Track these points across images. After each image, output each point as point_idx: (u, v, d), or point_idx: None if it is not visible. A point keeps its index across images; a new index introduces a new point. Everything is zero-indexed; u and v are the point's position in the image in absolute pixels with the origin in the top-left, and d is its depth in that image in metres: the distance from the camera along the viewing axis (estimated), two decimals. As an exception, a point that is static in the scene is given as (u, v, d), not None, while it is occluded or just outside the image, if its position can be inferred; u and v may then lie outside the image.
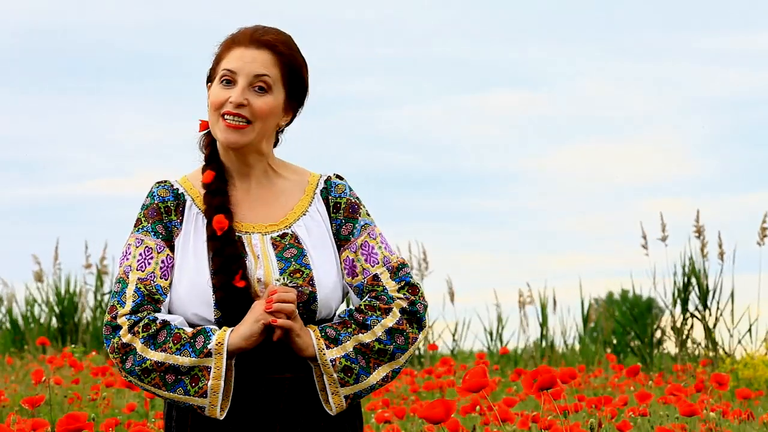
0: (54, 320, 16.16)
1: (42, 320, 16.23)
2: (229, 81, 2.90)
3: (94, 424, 4.55)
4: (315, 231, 2.95)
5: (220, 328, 2.83)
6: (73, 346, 12.34)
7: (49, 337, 15.49)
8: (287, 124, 2.99)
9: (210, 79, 2.96)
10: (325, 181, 3.02)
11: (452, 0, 19.07)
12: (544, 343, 15.78)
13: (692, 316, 14.66)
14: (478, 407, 5.66)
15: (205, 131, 3.00)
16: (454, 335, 16.12)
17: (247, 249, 2.88)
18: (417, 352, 15.74)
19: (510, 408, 5.66)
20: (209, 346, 2.80)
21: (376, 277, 2.94)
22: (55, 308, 16.17)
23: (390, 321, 2.90)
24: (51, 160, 19.52)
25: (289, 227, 2.94)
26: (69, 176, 19.91)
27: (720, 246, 14.75)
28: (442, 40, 19.50)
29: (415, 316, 2.93)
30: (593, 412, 5.92)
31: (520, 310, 16.02)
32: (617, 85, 19.94)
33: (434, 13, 19.15)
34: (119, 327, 2.83)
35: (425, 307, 2.96)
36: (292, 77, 2.93)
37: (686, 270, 14.74)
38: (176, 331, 2.82)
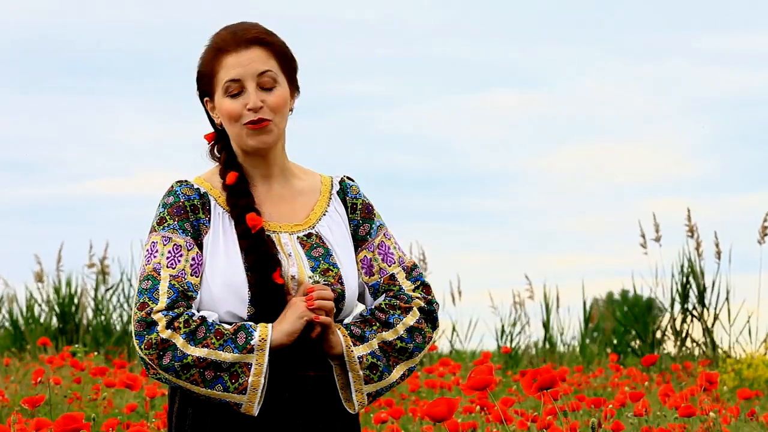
0: (54, 320, 16.15)
1: (42, 320, 16.22)
2: (237, 91, 2.91)
3: (92, 425, 4.54)
4: (336, 231, 2.99)
5: (255, 323, 2.84)
6: (76, 346, 12.33)
7: (50, 337, 15.48)
8: (291, 109, 3.02)
9: (206, 94, 2.97)
10: (340, 183, 3.07)
11: (452, 0, 19.06)
12: (546, 343, 15.75)
13: (691, 315, 14.64)
14: (478, 407, 5.65)
15: (213, 141, 3.02)
16: (452, 336, 16.12)
17: (277, 247, 2.90)
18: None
19: (508, 408, 5.66)
20: (252, 342, 2.80)
21: (392, 277, 3.00)
22: (56, 308, 16.17)
23: (411, 320, 2.95)
24: (51, 160, 19.54)
25: (313, 227, 2.97)
26: (69, 176, 19.92)
27: (717, 245, 14.74)
28: (442, 40, 19.50)
29: (431, 316, 3.00)
30: (594, 412, 5.92)
31: (519, 309, 15.99)
32: (617, 85, 19.94)
33: (434, 13, 19.15)
34: (155, 323, 2.81)
35: (438, 306, 3.03)
36: (286, 62, 2.97)
37: (685, 269, 14.72)
38: (217, 326, 2.81)
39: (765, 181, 20.22)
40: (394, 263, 3.00)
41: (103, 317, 16.09)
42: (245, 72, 2.91)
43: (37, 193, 20.00)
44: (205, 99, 2.98)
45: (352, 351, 2.88)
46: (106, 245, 16.59)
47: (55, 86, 19.32)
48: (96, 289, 16.28)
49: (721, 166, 19.32)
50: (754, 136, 19.05)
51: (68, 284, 16.25)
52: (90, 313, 16.14)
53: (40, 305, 16.25)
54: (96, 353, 12.04)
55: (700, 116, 19.36)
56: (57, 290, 16.17)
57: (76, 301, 16.15)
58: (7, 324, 16.49)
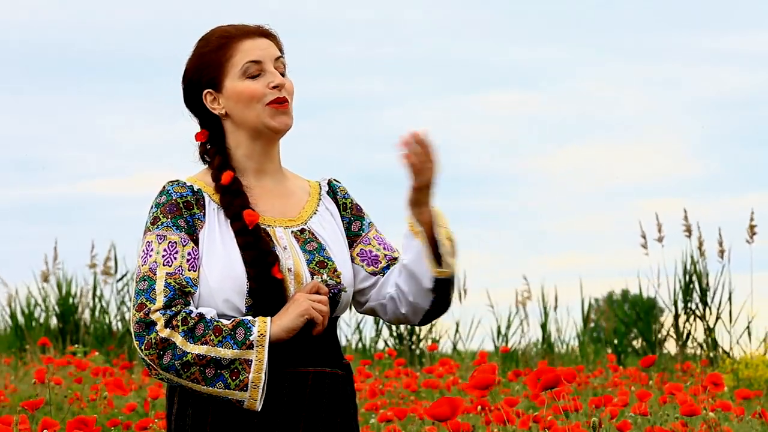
0: (54, 320, 16.15)
1: (42, 320, 16.22)
2: (257, 72, 2.94)
3: (94, 426, 4.55)
4: (328, 228, 3.02)
5: (253, 316, 2.84)
6: (76, 346, 12.33)
7: (50, 337, 15.48)
8: None
9: (210, 85, 2.96)
10: (328, 184, 3.11)
11: (452, 0, 19.08)
12: (544, 343, 15.76)
13: (693, 315, 14.64)
14: (480, 407, 5.66)
15: (205, 141, 3.01)
16: (455, 336, 16.13)
17: (273, 241, 2.92)
18: (417, 352, 15.75)
19: (508, 408, 5.66)
20: (251, 338, 2.79)
21: (397, 259, 3.07)
22: (56, 308, 16.17)
23: None
24: (51, 160, 19.55)
25: (305, 223, 2.99)
26: (69, 176, 19.94)
27: (720, 244, 14.74)
28: (442, 40, 19.53)
29: None
30: (594, 412, 5.93)
31: (518, 309, 16.01)
32: (617, 85, 19.97)
33: (434, 13, 19.17)
34: (154, 323, 2.80)
35: None
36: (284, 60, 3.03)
37: (687, 269, 14.72)
38: (215, 323, 2.81)
39: (765, 181, 20.25)
40: (394, 250, 3.07)
41: (105, 316, 16.10)
42: (265, 54, 2.95)
43: (36, 193, 20.03)
44: (206, 92, 2.97)
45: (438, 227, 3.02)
46: (110, 245, 16.63)
47: (55, 86, 19.34)
48: (94, 289, 16.28)
49: (720, 166, 19.35)
50: (753, 136, 19.07)
51: (60, 285, 16.24)
52: (88, 314, 16.14)
53: (39, 305, 16.25)
54: (97, 353, 12.04)
55: (700, 116, 19.39)
56: (60, 287, 16.17)
57: (75, 301, 16.15)
58: (6, 324, 16.49)
